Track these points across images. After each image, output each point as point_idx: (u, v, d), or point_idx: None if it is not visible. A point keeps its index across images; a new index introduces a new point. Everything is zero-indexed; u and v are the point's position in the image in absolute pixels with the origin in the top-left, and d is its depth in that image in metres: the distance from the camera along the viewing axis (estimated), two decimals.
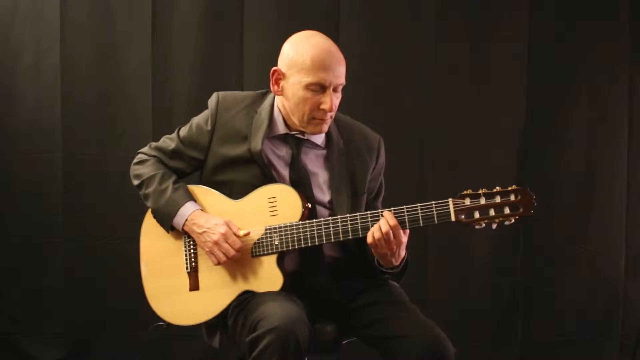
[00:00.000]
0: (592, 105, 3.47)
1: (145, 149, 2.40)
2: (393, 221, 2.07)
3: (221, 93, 2.33)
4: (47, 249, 3.48)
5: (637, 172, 3.49)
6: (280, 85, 2.22)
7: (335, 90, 2.19)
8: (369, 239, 2.10)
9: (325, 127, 2.24)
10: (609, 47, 3.46)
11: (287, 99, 2.21)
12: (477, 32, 3.46)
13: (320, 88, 2.16)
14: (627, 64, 3.46)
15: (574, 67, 3.46)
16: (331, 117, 2.23)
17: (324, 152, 2.31)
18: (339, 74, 2.18)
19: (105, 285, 3.46)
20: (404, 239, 2.10)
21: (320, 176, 2.28)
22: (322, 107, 2.17)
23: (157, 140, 2.41)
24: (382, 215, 2.09)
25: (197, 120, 2.34)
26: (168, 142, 2.36)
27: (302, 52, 2.16)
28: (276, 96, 2.29)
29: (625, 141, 3.48)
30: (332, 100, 2.16)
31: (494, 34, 3.46)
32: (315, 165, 2.29)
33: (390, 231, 2.07)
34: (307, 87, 2.15)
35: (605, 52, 3.46)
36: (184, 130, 2.34)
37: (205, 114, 2.33)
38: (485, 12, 3.46)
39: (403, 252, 2.15)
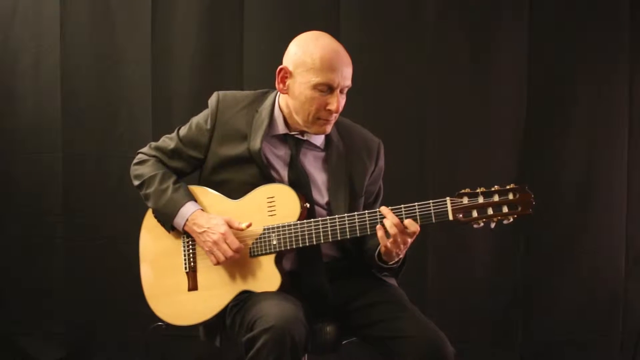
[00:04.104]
0: (592, 105, 3.47)
1: (145, 149, 2.40)
2: (414, 227, 2.05)
3: (221, 92, 2.33)
4: (47, 249, 3.48)
5: (637, 172, 3.49)
6: (287, 83, 2.21)
7: (341, 91, 2.19)
8: (385, 242, 2.08)
9: (329, 128, 2.24)
10: (609, 47, 3.46)
11: (293, 97, 2.21)
12: (477, 32, 3.46)
13: (327, 89, 2.16)
14: (627, 64, 3.46)
15: (574, 67, 3.46)
16: (335, 118, 2.23)
17: (322, 153, 2.31)
18: (347, 76, 2.18)
19: (105, 285, 3.46)
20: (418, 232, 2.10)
21: (318, 178, 2.28)
22: (328, 107, 2.17)
23: (157, 140, 2.41)
24: (380, 216, 2.09)
25: (196, 119, 2.34)
26: (168, 141, 2.36)
27: (310, 52, 2.16)
28: (278, 95, 2.29)
29: (625, 141, 3.48)
30: (338, 101, 2.17)
31: (494, 34, 3.46)
32: (313, 166, 2.29)
33: (408, 233, 2.07)
34: (315, 87, 2.16)
35: (605, 52, 3.46)
36: (183, 130, 2.34)
37: (205, 113, 2.33)
38: (485, 12, 3.46)
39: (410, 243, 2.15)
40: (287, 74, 2.21)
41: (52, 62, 3.44)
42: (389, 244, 2.09)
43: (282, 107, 2.27)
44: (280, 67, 2.22)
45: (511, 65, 3.46)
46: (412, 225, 2.06)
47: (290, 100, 2.23)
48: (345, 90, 2.21)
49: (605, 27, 3.45)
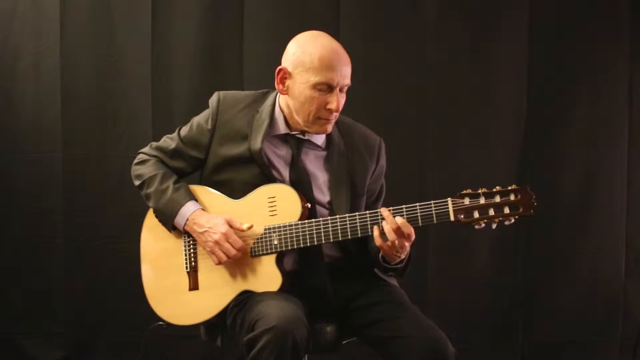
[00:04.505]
0: (592, 105, 3.47)
1: (146, 149, 2.40)
2: (407, 229, 2.06)
3: (222, 92, 2.33)
4: (47, 249, 3.48)
5: (637, 172, 3.49)
6: (286, 84, 2.21)
7: (341, 90, 2.19)
8: (381, 242, 2.08)
9: (330, 127, 2.24)
10: (609, 47, 3.46)
11: (293, 98, 2.21)
12: (477, 32, 3.46)
13: (327, 88, 2.16)
14: (627, 64, 3.46)
15: (574, 67, 3.46)
16: (335, 117, 2.23)
17: (324, 153, 2.31)
18: (346, 75, 2.18)
19: (105, 285, 3.46)
20: (413, 236, 2.09)
21: (320, 177, 2.28)
22: (328, 106, 2.17)
23: (157, 140, 2.41)
24: (382, 216, 2.09)
25: (197, 119, 2.34)
26: (169, 141, 2.36)
27: (309, 51, 2.16)
28: (278, 96, 2.29)
29: (625, 141, 3.48)
30: (338, 100, 2.17)
31: (494, 34, 3.47)
32: (315, 166, 2.29)
33: (404, 235, 2.06)
34: (315, 86, 2.15)
35: (605, 52, 3.46)
36: (184, 130, 2.34)
37: (205, 113, 2.33)
38: (485, 12, 3.46)
39: (408, 247, 2.15)
40: (286, 75, 2.21)
41: (52, 62, 3.44)
42: (385, 246, 2.09)
43: (282, 107, 2.27)
44: (279, 67, 2.22)
45: (511, 65, 3.47)
46: (406, 227, 2.05)
47: (290, 101, 2.22)
48: (345, 89, 2.21)
49: (605, 27, 3.46)
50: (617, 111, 3.48)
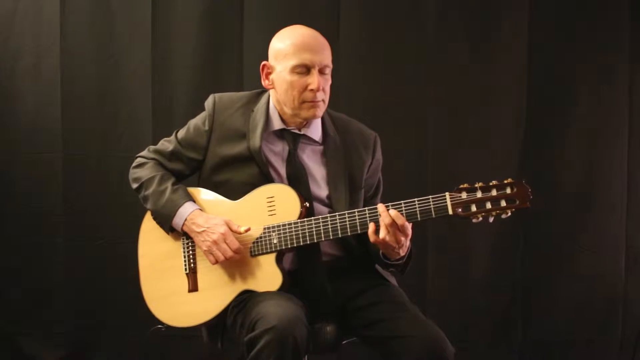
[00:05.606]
0: (592, 105, 3.47)
1: (143, 153, 2.41)
2: (401, 220, 2.07)
3: (217, 94, 2.35)
4: (47, 249, 3.48)
5: (637, 172, 3.49)
6: (270, 78, 2.26)
7: (322, 72, 2.21)
8: (375, 239, 2.09)
9: (319, 112, 2.25)
10: (609, 47, 3.46)
11: (277, 88, 2.24)
12: (477, 32, 3.46)
13: (305, 70, 2.19)
14: (627, 64, 3.46)
15: (574, 67, 3.46)
16: (323, 100, 2.24)
17: (320, 147, 2.32)
18: (323, 56, 2.21)
19: (105, 285, 3.46)
20: (410, 230, 2.10)
21: (317, 172, 2.29)
22: (310, 87, 2.19)
23: (157, 141, 2.42)
24: (379, 212, 2.09)
25: (194, 121, 2.35)
26: (166, 144, 2.37)
27: (285, 40, 2.22)
28: (271, 93, 2.31)
29: (625, 141, 3.48)
30: (318, 80, 2.19)
31: (494, 34, 3.46)
32: (312, 160, 2.30)
33: (399, 228, 2.07)
34: (293, 70, 2.19)
35: (605, 52, 3.46)
36: (181, 132, 2.36)
37: (202, 115, 2.34)
38: (485, 12, 3.46)
39: (408, 243, 2.15)
40: (269, 69, 2.26)
41: (52, 62, 3.43)
42: (379, 243, 2.09)
43: (275, 104, 2.30)
44: (263, 63, 2.27)
45: (511, 65, 3.46)
46: (399, 219, 2.06)
47: (276, 93, 2.26)
48: (327, 70, 2.23)
49: (605, 27, 3.45)
50: (617, 111, 3.48)
